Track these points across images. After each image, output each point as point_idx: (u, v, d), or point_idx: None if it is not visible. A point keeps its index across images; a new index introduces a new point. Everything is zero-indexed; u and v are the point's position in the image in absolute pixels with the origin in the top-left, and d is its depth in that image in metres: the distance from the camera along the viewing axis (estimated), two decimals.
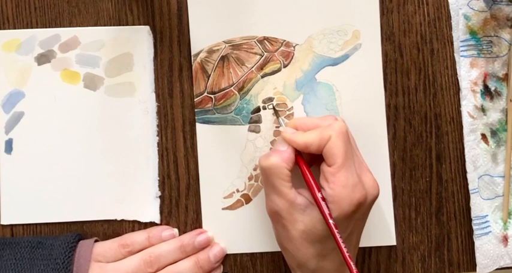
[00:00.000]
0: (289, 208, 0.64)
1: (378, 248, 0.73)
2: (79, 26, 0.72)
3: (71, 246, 0.68)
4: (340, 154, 0.63)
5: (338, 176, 0.63)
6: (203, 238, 0.71)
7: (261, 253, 0.73)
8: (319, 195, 0.63)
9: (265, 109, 0.72)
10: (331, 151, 0.64)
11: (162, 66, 0.72)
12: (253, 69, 0.72)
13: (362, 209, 0.65)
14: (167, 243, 0.70)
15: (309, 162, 0.68)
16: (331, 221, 0.62)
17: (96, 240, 0.70)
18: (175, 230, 0.72)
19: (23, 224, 0.72)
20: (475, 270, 0.72)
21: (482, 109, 0.72)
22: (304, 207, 0.64)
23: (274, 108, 0.71)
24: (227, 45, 0.72)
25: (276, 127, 0.72)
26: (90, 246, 0.69)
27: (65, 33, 0.72)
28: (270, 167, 0.65)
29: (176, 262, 0.70)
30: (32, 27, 0.72)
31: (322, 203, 0.63)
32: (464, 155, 0.72)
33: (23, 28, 0.72)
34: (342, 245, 0.62)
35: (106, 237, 0.72)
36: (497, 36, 0.72)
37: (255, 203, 0.72)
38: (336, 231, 0.62)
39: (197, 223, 0.72)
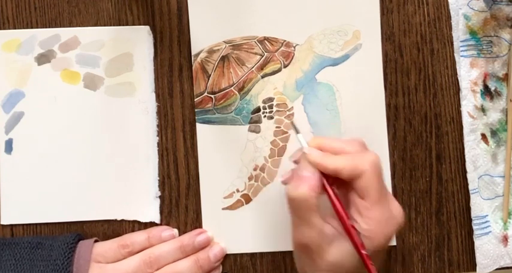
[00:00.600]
0: (319, 239, 0.62)
1: None
2: (79, 26, 0.72)
3: (71, 247, 0.68)
4: (376, 190, 0.62)
5: (373, 211, 0.62)
6: (203, 238, 0.71)
7: (261, 253, 0.73)
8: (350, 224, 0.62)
9: (265, 109, 0.72)
10: (366, 185, 0.62)
11: (162, 66, 0.72)
12: (253, 69, 0.72)
13: (392, 240, 0.64)
14: (167, 244, 0.70)
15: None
16: (364, 252, 0.61)
17: (96, 241, 0.70)
18: (175, 231, 0.72)
19: (23, 224, 0.72)
20: (475, 270, 0.72)
21: (482, 109, 0.72)
22: (332, 237, 0.62)
23: (292, 123, 0.69)
24: (227, 45, 0.72)
25: (277, 127, 0.72)
26: (89, 247, 0.69)
27: (65, 33, 0.72)
28: (300, 199, 0.62)
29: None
30: (32, 27, 0.72)
31: (355, 235, 0.61)
32: (464, 155, 0.72)
33: (23, 28, 0.72)
34: None
35: (106, 237, 0.72)
36: (497, 36, 0.72)
37: (255, 203, 0.72)
38: (369, 263, 0.61)
39: (197, 223, 0.72)
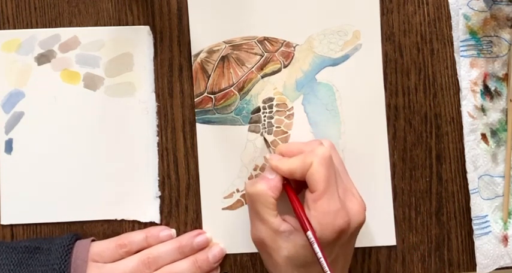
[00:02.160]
0: (274, 236, 0.64)
1: (378, 248, 0.73)
2: (79, 26, 0.72)
3: (68, 249, 0.67)
4: (322, 181, 0.63)
5: (320, 203, 0.63)
6: (201, 239, 0.71)
7: None
8: (310, 234, 0.63)
9: (265, 109, 0.72)
10: (312, 177, 0.63)
11: (162, 66, 0.72)
12: (253, 69, 0.72)
13: (345, 236, 0.64)
14: (165, 244, 0.70)
15: (299, 188, 0.68)
16: (316, 248, 0.62)
17: (93, 240, 0.70)
18: (173, 231, 0.72)
19: (23, 224, 0.72)
20: (475, 270, 0.72)
21: (482, 109, 0.72)
22: (288, 234, 0.64)
23: (264, 138, 0.72)
24: (227, 45, 0.72)
25: (277, 127, 0.72)
26: (87, 247, 0.69)
27: (65, 33, 0.72)
28: (256, 194, 0.65)
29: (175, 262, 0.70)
30: (32, 27, 0.72)
31: (309, 234, 0.62)
32: (464, 155, 0.72)
33: (23, 28, 0.72)
34: (327, 269, 0.61)
35: (106, 237, 0.72)
36: (497, 36, 0.72)
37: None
38: (321, 257, 0.62)
39: (197, 223, 0.72)
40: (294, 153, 0.67)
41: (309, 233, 0.62)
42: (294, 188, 0.67)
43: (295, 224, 0.64)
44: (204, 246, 0.71)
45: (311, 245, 0.62)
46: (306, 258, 0.64)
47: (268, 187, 0.65)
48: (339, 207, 0.63)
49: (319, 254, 0.61)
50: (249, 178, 0.72)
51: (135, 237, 0.70)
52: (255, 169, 0.72)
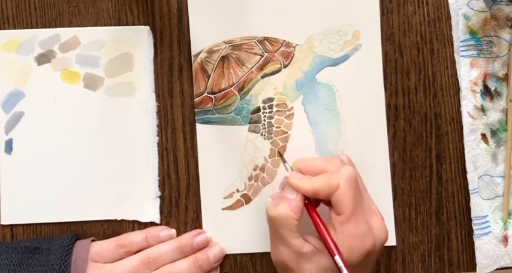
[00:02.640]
0: (296, 258, 0.64)
1: None
2: (79, 26, 0.72)
3: (68, 250, 0.67)
4: (349, 204, 0.62)
5: (347, 226, 0.62)
6: (202, 239, 0.71)
7: (261, 253, 0.73)
8: (338, 259, 0.62)
9: (265, 109, 0.72)
10: (339, 200, 0.63)
11: (162, 66, 0.72)
12: (253, 69, 0.72)
13: (372, 256, 0.64)
14: (165, 244, 0.70)
15: (317, 202, 0.67)
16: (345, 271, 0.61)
17: (93, 240, 0.70)
18: (173, 231, 0.72)
19: (23, 224, 0.72)
20: (475, 270, 0.72)
21: (482, 109, 0.72)
22: (311, 255, 0.64)
23: (279, 153, 0.71)
24: (227, 45, 0.72)
25: (277, 127, 0.72)
26: (87, 247, 0.69)
27: (65, 33, 0.72)
28: (279, 217, 0.64)
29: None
30: (32, 27, 0.72)
31: (337, 258, 0.62)
32: (464, 155, 0.72)
33: (23, 28, 0.72)
34: None
35: (106, 237, 0.72)
36: (497, 36, 0.72)
37: (255, 203, 0.72)
38: None
39: (197, 223, 0.72)
40: (315, 171, 0.66)
41: (337, 257, 0.62)
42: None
43: (317, 245, 0.64)
44: (204, 246, 0.71)
45: (339, 270, 0.61)
46: None
47: (290, 208, 0.64)
48: (366, 229, 0.63)
49: None
50: (249, 178, 0.72)
51: (135, 237, 0.70)
52: (254, 169, 0.72)
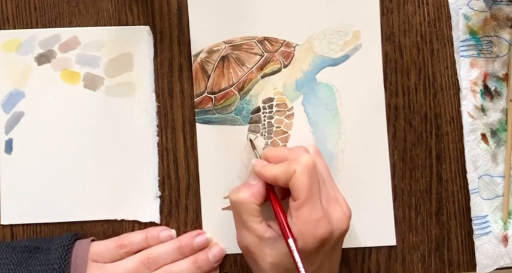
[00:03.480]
0: (259, 242, 0.65)
1: (378, 248, 0.73)
2: (79, 26, 0.72)
3: (68, 249, 0.67)
4: (304, 189, 0.63)
5: (301, 211, 0.63)
6: (201, 239, 0.71)
7: None
8: (291, 242, 0.63)
9: (265, 109, 0.72)
10: (295, 185, 0.63)
11: (162, 66, 0.72)
12: (253, 69, 0.72)
13: (328, 244, 0.64)
14: (165, 245, 0.70)
15: (283, 194, 0.68)
16: (296, 256, 0.62)
17: (92, 240, 0.70)
18: (173, 231, 0.72)
19: (23, 224, 0.72)
20: (475, 270, 0.72)
21: (482, 109, 0.72)
22: (273, 241, 0.64)
23: (251, 140, 0.72)
24: (227, 45, 0.72)
25: (277, 127, 0.72)
26: (86, 246, 0.69)
27: (65, 33, 0.72)
28: (239, 201, 0.65)
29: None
30: (32, 27, 0.72)
31: (290, 241, 0.62)
32: (464, 155, 0.72)
33: (23, 28, 0.72)
34: None
35: (106, 237, 0.72)
36: (497, 36, 0.72)
37: None
38: (301, 267, 0.61)
39: (197, 223, 0.72)
40: (279, 159, 0.67)
41: (290, 240, 0.62)
42: (281, 194, 0.67)
43: (278, 230, 0.64)
44: (204, 247, 0.71)
45: (291, 253, 0.62)
46: (290, 265, 0.63)
47: (251, 193, 0.65)
48: (321, 216, 0.63)
49: (299, 263, 0.61)
50: None
51: (135, 237, 0.70)
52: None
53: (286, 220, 0.64)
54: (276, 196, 0.66)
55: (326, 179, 0.67)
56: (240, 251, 0.72)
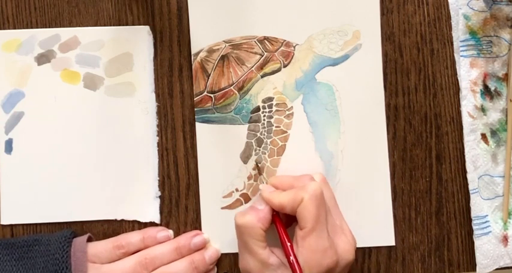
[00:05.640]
0: (261, 268, 0.65)
1: (378, 248, 0.73)
2: (79, 26, 0.72)
3: (68, 241, 0.68)
4: (311, 218, 0.63)
5: (307, 240, 0.63)
6: (199, 240, 0.71)
7: None
8: (292, 258, 0.63)
9: (265, 108, 0.72)
10: (302, 214, 0.64)
11: (162, 66, 0.72)
12: (253, 68, 0.72)
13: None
14: (163, 245, 0.70)
15: (288, 221, 0.68)
16: None
17: (89, 237, 0.70)
18: (171, 231, 0.72)
19: (23, 224, 0.72)
20: (475, 270, 0.72)
21: (482, 109, 0.72)
22: (276, 267, 0.65)
23: (257, 164, 0.72)
24: (227, 44, 0.72)
25: (276, 127, 0.72)
26: (84, 242, 0.69)
27: (65, 33, 0.72)
28: (245, 226, 0.65)
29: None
30: (32, 27, 0.72)
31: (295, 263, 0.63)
32: (464, 155, 0.72)
33: (23, 28, 0.73)
34: None
35: (106, 237, 0.72)
36: (497, 36, 0.72)
37: None
38: None
39: (197, 223, 0.72)
40: (286, 187, 0.68)
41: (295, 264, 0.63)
42: (286, 220, 0.68)
43: (283, 258, 0.65)
44: (201, 247, 0.71)
45: None
46: None
47: (258, 218, 0.65)
48: (327, 246, 0.64)
49: None
50: (248, 178, 0.72)
51: (133, 238, 0.70)
52: (254, 169, 0.72)
53: (292, 249, 0.64)
54: (282, 223, 0.67)
55: (332, 208, 0.68)
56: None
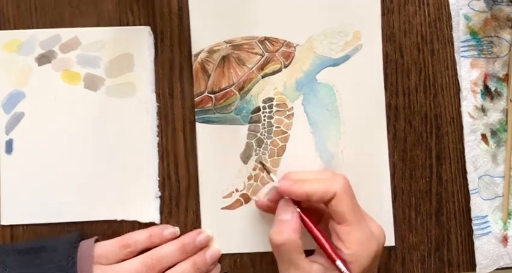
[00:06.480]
0: None
1: None
2: (80, 27, 0.72)
3: (74, 247, 0.67)
4: (350, 212, 0.63)
5: (353, 234, 0.63)
6: (203, 237, 0.71)
7: (261, 253, 0.72)
8: (340, 264, 0.63)
9: (265, 108, 0.72)
10: (338, 208, 0.63)
11: (163, 67, 0.73)
12: (253, 69, 0.72)
13: (378, 258, 0.65)
14: (168, 245, 0.70)
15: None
16: None
17: (96, 239, 0.70)
18: (177, 229, 0.72)
19: (23, 225, 0.72)
20: (475, 270, 0.72)
21: (483, 110, 0.72)
22: None
23: (262, 163, 0.71)
24: (228, 45, 0.72)
25: (277, 127, 0.72)
26: (91, 245, 0.69)
27: (66, 33, 0.72)
28: (286, 243, 0.64)
29: (176, 264, 0.70)
30: (32, 28, 0.72)
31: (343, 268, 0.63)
32: (464, 156, 0.72)
33: (24, 28, 0.73)
34: None
35: (106, 237, 0.71)
36: (497, 36, 0.72)
37: (254, 203, 0.72)
38: None
39: (197, 223, 0.72)
40: (307, 180, 0.66)
41: (339, 262, 0.63)
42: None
43: (324, 262, 0.64)
44: (205, 245, 0.71)
45: None
46: None
47: (293, 230, 0.64)
48: (369, 234, 0.64)
49: None
50: (248, 178, 0.72)
51: (139, 236, 0.70)
52: (254, 169, 0.72)
53: (328, 241, 0.64)
54: (314, 223, 0.66)
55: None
56: (239, 251, 0.72)
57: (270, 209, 0.69)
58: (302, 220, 0.65)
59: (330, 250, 0.64)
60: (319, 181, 0.65)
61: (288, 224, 0.64)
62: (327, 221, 0.66)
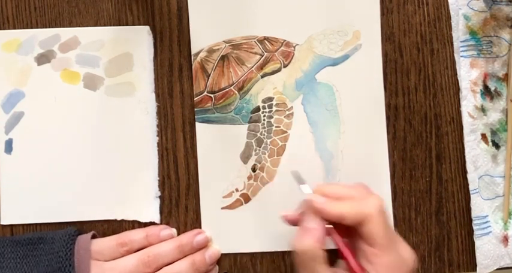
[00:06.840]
0: None
1: None
2: (79, 26, 0.72)
3: (72, 239, 0.68)
4: (384, 235, 0.61)
5: (383, 258, 0.61)
6: (201, 238, 0.71)
7: (261, 253, 0.72)
8: None
9: (265, 108, 0.72)
10: (373, 231, 0.61)
11: (162, 66, 0.72)
12: (253, 68, 0.72)
13: None
14: (165, 244, 0.70)
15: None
16: None
17: (93, 235, 0.70)
18: (174, 230, 0.72)
19: (23, 224, 0.72)
20: (475, 271, 0.72)
21: (482, 109, 0.72)
22: None
23: (295, 173, 0.67)
24: (227, 44, 0.72)
25: (276, 127, 0.72)
26: (88, 240, 0.69)
27: (65, 33, 0.72)
28: (306, 251, 0.62)
29: (173, 262, 0.70)
30: (32, 27, 0.72)
31: None
32: (464, 156, 0.72)
33: (23, 28, 0.73)
34: None
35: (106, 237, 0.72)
36: (497, 36, 0.72)
37: (254, 203, 0.72)
38: None
39: (197, 223, 0.72)
40: (341, 196, 0.64)
41: None
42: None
43: None
44: (203, 246, 0.71)
45: None
46: None
47: (316, 239, 0.62)
48: (400, 259, 0.62)
49: None
50: (248, 178, 0.72)
51: (136, 235, 0.70)
52: (253, 169, 0.72)
53: (356, 260, 0.62)
54: (344, 240, 0.63)
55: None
56: (239, 251, 0.72)
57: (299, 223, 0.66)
58: (331, 233, 0.63)
59: (357, 269, 0.62)
60: (352, 203, 0.63)
61: (312, 234, 0.62)
62: (352, 234, 0.63)
